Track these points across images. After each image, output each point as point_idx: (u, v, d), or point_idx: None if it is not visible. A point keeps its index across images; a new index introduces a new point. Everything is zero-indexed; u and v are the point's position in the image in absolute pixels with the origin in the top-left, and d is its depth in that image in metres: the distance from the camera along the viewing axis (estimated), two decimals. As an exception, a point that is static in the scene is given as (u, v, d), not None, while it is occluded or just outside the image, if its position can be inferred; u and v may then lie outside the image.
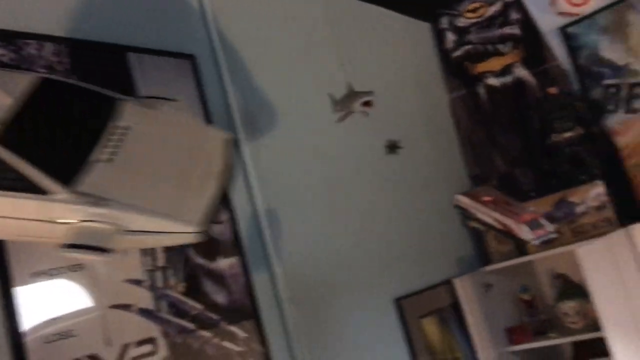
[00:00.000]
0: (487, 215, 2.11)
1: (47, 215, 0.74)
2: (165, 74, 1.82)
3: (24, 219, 0.74)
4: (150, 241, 0.78)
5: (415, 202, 2.68)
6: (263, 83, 2.10)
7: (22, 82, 0.84)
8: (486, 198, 2.14)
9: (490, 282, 2.77)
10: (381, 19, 2.97)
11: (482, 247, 2.93)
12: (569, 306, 2.70)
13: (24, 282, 1.33)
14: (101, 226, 0.75)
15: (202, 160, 0.86)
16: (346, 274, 2.16)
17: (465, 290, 2.60)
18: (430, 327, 2.42)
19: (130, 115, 0.87)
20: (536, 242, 2.05)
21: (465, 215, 2.24)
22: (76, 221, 0.75)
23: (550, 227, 2.06)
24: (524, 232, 2.04)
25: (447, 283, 2.60)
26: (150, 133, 0.86)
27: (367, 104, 1.82)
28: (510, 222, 2.03)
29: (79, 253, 0.74)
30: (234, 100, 1.97)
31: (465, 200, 2.21)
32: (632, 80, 2.95)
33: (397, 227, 2.51)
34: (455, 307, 2.59)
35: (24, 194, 0.72)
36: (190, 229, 0.79)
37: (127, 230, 0.77)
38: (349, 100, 1.87)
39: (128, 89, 1.68)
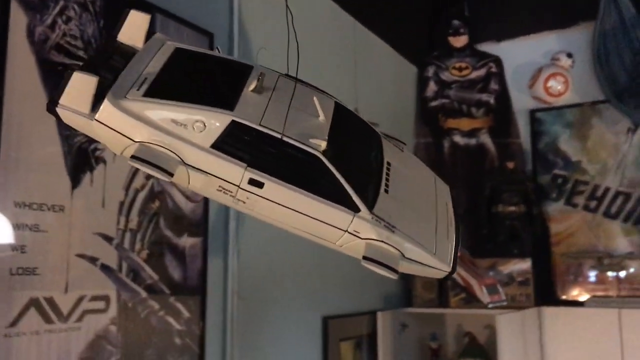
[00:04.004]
0: (453, 269, 2.24)
1: (343, 225, 0.83)
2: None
3: (321, 221, 0.82)
4: (412, 269, 0.84)
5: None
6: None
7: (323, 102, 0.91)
8: (455, 253, 2.27)
9: (406, 322, 2.92)
10: (377, 49, 3.07)
11: (407, 289, 3.07)
12: (469, 364, 2.89)
13: (5, 210, 1.31)
14: (389, 248, 0.82)
15: (443, 207, 0.94)
16: (290, 282, 2.22)
17: (384, 324, 2.73)
18: (347, 351, 2.52)
19: (388, 152, 0.93)
20: (490, 306, 2.20)
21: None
22: (369, 239, 0.82)
23: (503, 295, 2.22)
24: (484, 295, 2.20)
25: (371, 314, 2.72)
26: (403, 172, 0.94)
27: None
28: (473, 282, 2.17)
29: (373, 266, 0.81)
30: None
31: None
32: (579, 177, 3.21)
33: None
34: (372, 338, 2.70)
35: (337, 205, 0.82)
36: (445, 269, 0.87)
37: (404, 257, 0.84)
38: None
39: (147, 48, 1.69)
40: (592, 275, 3.09)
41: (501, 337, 2.46)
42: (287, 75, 0.93)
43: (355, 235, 0.83)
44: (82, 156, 1.49)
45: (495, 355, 2.59)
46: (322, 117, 0.86)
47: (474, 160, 3.34)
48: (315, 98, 0.87)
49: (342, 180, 0.82)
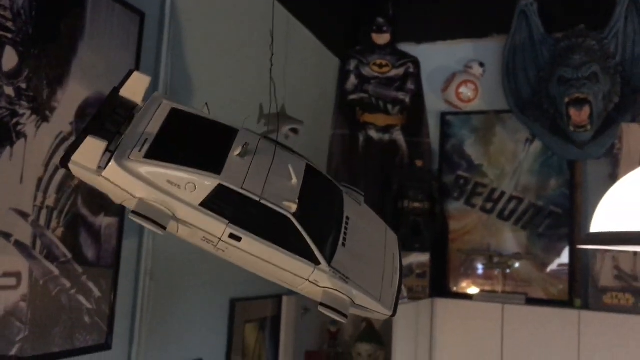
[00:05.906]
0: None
1: (305, 275, 0.98)
2: (113, 21, 1.80)
3: (287, 270, 0.98)
4: (359, 312, 0.96)
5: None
6: (197, 69, 2.15)
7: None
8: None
9: (309, 307, 3.03)
10: (304, 39, 3.13)
11: (312, 274, 3.19)
12: (364, 348, 3.06)
13: None
14: (342, 296, 0.97)
15: (390, 257, 1.08)
16: (202, 265, 2.26)
17: (288, 307, 2.83)
18: (250, 333, 2.59)
19: (347, 207, 1.08)
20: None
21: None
22: (326, 287, 0.98)
23: (405, 292, 2.36)
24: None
25: (276, 297, 2.81)
26: (359, 226, 1.09)
27: (294, 131, 1.96)
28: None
29: (327, 311, 0.96)
30: (164, 73, 2.00)
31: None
32: (479, 180, 3.45)
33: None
34: (275, 320, 2.80)
35: (301, 259, 0.97)
36: (387, 313, 1.03)
37: (354, 304, 0.98)
38: (279, 120, 1.99)
39: (77, 24, 1.66)
40: (482, 271, 3.35)
41: (397, 325, 2.63)
42: (267, 137, 1.03)
43: (314, 284, 0.98)
44: (2, 130, 1.45)
45: (389, 341, 2.77)
46: (294, 181, 1.00)
47: (386, 156, 3.49)
48: (290, 165, 1.01)
49: (307, 238, 0.97)
